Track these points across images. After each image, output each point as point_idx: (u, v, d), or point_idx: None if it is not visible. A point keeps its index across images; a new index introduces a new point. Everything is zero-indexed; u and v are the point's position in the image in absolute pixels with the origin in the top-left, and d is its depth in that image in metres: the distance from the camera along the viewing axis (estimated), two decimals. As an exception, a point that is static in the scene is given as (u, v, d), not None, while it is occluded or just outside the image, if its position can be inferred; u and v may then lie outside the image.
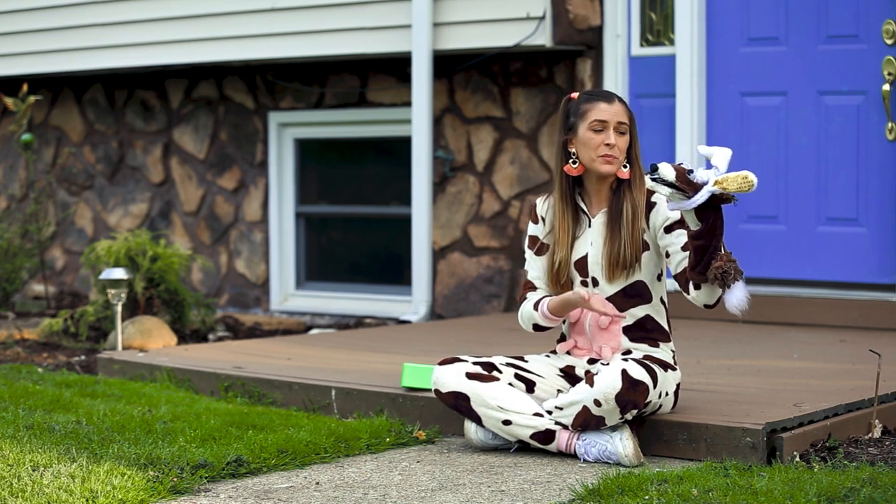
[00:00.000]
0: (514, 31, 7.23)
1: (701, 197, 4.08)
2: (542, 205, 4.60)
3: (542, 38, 7.15)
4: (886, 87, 6.53)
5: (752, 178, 4.08)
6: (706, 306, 4.29)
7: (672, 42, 7.13)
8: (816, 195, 6.80)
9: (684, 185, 4.07)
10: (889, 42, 6.54)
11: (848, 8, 6.66)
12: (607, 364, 4.36)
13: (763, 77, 6.93)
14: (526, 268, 4.63)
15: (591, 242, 4.48)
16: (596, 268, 4.47)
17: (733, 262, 4.15)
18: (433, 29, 7.47)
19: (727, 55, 7.01)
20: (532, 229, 4.61)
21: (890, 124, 6.57)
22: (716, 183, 4.07)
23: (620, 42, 7.27)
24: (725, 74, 7.02)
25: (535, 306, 4.51)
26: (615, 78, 7.24)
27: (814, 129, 6.80)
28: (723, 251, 4.18)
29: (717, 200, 4.11)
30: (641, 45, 7.25)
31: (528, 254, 4.60)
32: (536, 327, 4.56)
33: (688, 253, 4.25)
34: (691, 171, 4.09)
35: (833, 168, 6.75)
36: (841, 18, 6.69)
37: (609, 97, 4.46)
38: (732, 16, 6.99)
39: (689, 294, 4.28)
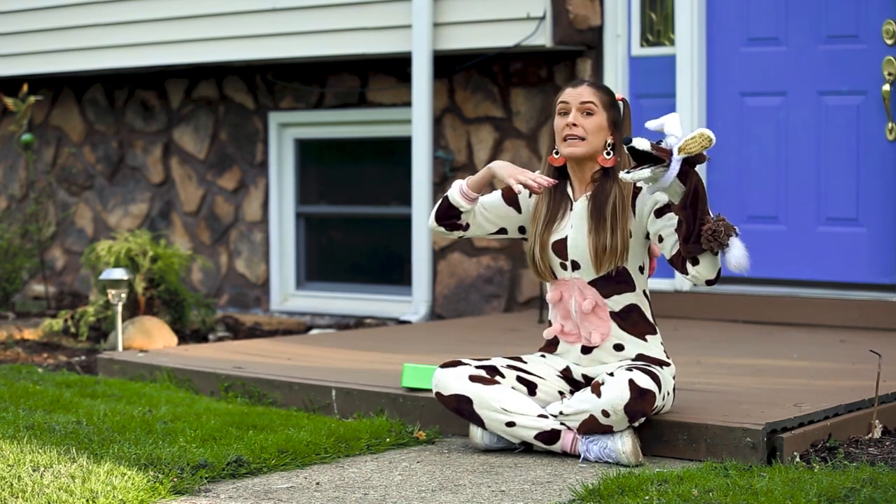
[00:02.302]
0: (514, 32, 7.23)
1: (675, 167, 4.09)
2: None
3: (543, 38, 7.15)
4: (886, 87, 6.53)
5: (709, 133, 4.10)
6: (708, 282, 4.22)
7: (672, 42, 7.13)
8: (816, 195, 6.80)
9: (658, 152, 4.08)
10: (889, 42, 6.54)
11: (848, 8, 6.66)
12: (611, 374, 4.32)
13: (763, 77, 6.93)
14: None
15: (572, 226, 4.46)
16: (575, 251, 4.44)
17: (723, 221, 4.14)
18: (433, 29, 7.47)
19: (727, 55, 7.01)
20: (521, 194, 4.55)
21: (890, 124, 6.57)
22: (680, 150, 4.08)
23: (620, 42, 7.26)
24: (725, 74, 7.02)
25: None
26: (615, 78, 7.24)
27: (814, 129, 6.80)
28: (710, 214, 4.17)
29: (689, 163, 4.12)
30: (641, 46, 7.25)
31: (501, 196, 4.54)
32: (442, 211, 4.51)
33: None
34: (661, 142, 4.11)
35: (833, 168, 6.75)
36: (841, 18, 6.69)
37: (577, 82, 4.46)
38: (732, 16, 6.99)
39: (688, 273, 4.23)
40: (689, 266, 4.22)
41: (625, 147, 4.12)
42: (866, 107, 6.64)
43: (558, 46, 7.19)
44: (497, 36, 7.30)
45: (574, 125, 4.39)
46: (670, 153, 4.10)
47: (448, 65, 7.76)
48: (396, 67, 8.04)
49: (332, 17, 7.80)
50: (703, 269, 4.22)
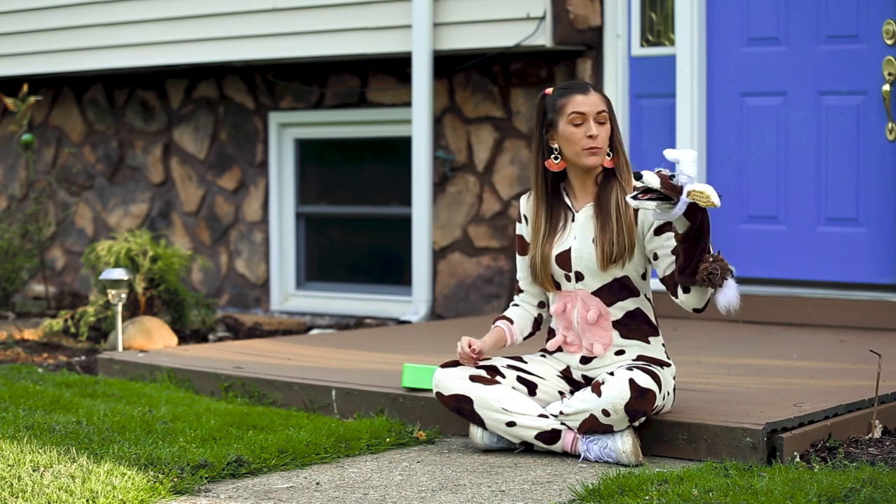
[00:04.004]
0: (515, 31, 7.23)
1: (681, 207, 4.08)
2: (525, 203, 4.59)
3: (543, 38, 7.15)
4: (886, 87, 6.53)
5: (716, 199, 4.05)
6: (695, 310, 4.27)
7: (672, 42, 7.13)
8: (816, 195, 6.80)
9: (668, 190, 4.07)
10: (889, 42, 6.54)
11: (848, 8, 6.66)
12: (611, 373, 4.32)
13: (763, 77, 6.93)
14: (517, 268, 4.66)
15: (575, 237, 4.46)
16: (579, 262, 4.44)
17: (720, 262, 4.14)
18: (433, 29, 7.47)
19: (727, 55, 7.01)
20: (518, 228, 4.61)
21: (890, 124, 6.57)
22: (689, 194, 4.07)
23: (621, 42, 7.27)
24: (725, 74, 7.02)
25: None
26: (615, 78, 7.24)
27: (814, 129, 6.80)
28: (710, 252, 4.17)
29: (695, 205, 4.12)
30: (642, 46, 7.25)
31: (517, 255, 4.62)
32: (531, 335, 4.68)
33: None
34: (672, 176, 4.09)
35: (833, 168, 6.75)
36: (841, 18, 6.69)
37: (584, 88, 4.43)
38: (732, 16, 6.99)
39: (677, 298, 4.27)
40: (679, 291, 4.25)
41: (634, 181, 4.11)
42: (866, 107, 6.64)
43: (558, 46, 7.19)
44: (497, 36, 7.30)
45: (595, 136, 4.38)
46: (679, 190, 4.08)
47: (448, 65, 7.76)
48: (396, 67, 8.04)
49: (333, 16, 7.80)
50: (691, 299, 4.24)
